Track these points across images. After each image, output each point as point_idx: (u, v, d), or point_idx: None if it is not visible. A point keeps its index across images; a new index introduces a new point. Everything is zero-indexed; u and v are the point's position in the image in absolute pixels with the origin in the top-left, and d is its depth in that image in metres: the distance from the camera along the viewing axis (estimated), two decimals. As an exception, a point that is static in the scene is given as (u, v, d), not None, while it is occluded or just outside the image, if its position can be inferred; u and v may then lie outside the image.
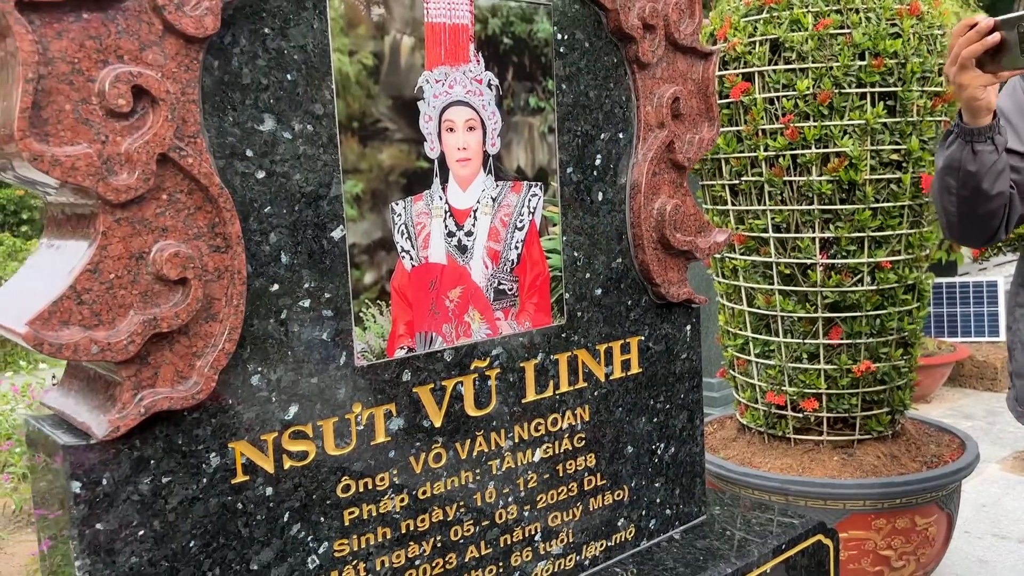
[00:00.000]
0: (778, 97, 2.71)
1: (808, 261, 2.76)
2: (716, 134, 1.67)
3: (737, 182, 2.85)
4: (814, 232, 2.76)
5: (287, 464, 1.18)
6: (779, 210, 2.78)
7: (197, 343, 1.08)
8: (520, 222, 1.44)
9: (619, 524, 1.62)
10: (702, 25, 1.62)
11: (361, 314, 1.25)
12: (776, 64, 2.73)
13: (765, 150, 2.74)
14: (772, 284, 2.86)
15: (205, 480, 1.11)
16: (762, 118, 2.73)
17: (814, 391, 2.85)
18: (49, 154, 0.93)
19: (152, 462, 1.06)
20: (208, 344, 1.08)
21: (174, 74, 1.03)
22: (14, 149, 0.93)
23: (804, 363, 2.86)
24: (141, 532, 1.06)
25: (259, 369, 1.15)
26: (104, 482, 1.03)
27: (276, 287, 1.16)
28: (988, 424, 4.99)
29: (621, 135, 1.57)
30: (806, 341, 2.84)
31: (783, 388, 2.91)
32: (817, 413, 2.88)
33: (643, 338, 1.64)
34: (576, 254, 1.52)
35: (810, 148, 2.68)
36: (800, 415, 2.92)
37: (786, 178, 2.74)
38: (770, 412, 2.98)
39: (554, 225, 1.48)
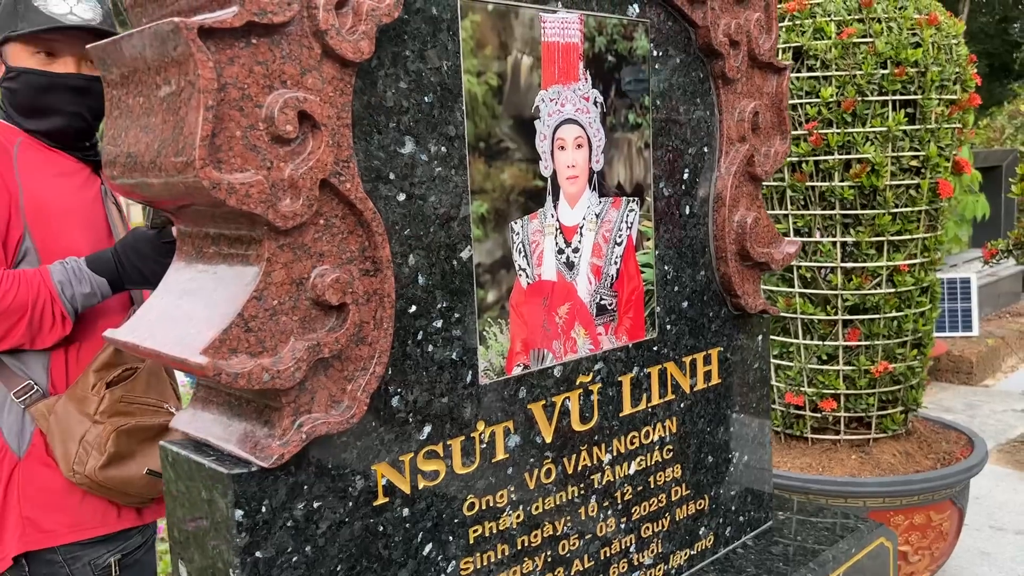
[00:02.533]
0: (802, 104, 2.76)
1: (829, 265, 2.82)
2: (788, 147, 1.71)
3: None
4: (835, 236, 2.82)
5: (421, 484, 1.19)
6: (801, 215, 2.84)
7: (349, 367, 1.07)
8: (619, 237, 1.45)
9: (700, 532, 1.65)
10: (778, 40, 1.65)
11: (484, 333, 1.26)
12: (799, 71, 2.78)
13: (788, 156, 2.79)
14: (792, 287, 2.92)
15: (351, 503, 1.11)
16: (785, 124, 2.78)
17: (832, 391, 2.92)
18: (225, 182, 0.92)
19: (305, 487, 1.06)
20: (359, 368, 1.08)
21: (331, 99, 1.02)
22: (192, 178, 0.91)
23: (822, 364, 2.93)
24: (295, 558, 1.05)
25: (399, 391, 1.15)
26: (264, 509, 1.02)
27: (414, 308, 1.16)
28: (969, 417, 5.14)
29: (706, 149, 1.59)
30: (825, 343, 2.91)
31: (802, 389, 2.97)
32: (835, 413, 2.95)
33: (722, 349, 1.67)
34: (667, 268, 1.54)
35: (833, 154, 2.74)
36: (818, 415, 2.98)
37: (809, 183, 2.79)
38: (788, 412, 3.04)
39: (648, 240, 1.50)
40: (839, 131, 2.72)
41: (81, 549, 1.77)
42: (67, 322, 1.68)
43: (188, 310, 1.03)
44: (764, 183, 2.88)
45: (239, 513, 1.00)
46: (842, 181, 2.76)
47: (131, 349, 1.05)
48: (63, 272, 1.66)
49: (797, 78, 2.77)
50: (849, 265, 2.82)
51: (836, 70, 2.71)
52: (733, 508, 1.72)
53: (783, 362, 3.00)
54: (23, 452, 1.72)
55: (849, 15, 2.73)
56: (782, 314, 2.96)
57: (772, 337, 3.02)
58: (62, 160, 1.81)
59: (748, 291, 1.68)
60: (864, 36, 2.71)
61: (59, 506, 1.74)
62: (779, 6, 2.84)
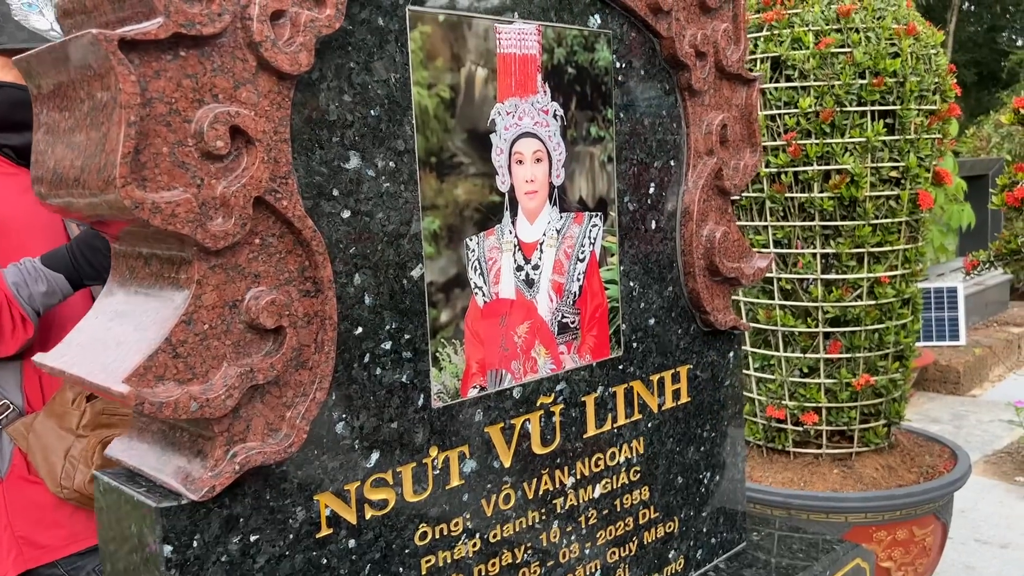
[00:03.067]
0: (780, 114, 2.73)
1: (810, 277, 2.79)
2: (759, 160, 1.67)
3: (738, 198, 2.86)
4: (815, 248, 2.79)
5: (368, 514, 1.14)
6: (780, 226, 2.80)
7: (287, 393, 1.02)
8: (582, 253, 1.41)
9: (670, 556, 1.60)
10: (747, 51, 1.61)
11: (437, 354, 1.21)
12: (778, 81, 2.75)
13: (767, 166, 2.76)
14: (772, 299, 2.88)
15: (292, 536, 1.06)
16: (764, 135, 2.75)
17: (814, 405, 2.88)
18: (149, 201, 0.88)
19: (241, 520, 1.01)
20: (298, 393, 1.03)
21: (267, 112, 0.98)
22: (113, 196, 0.87)
23: (803, 377, 2.89)
24: (231, 594, 1.00)
25: (344, 416, 1.10)
26: (195, 544, 0.97)
27: (360, 330, 1.11)
28: (955, 428, 5.11)
29: (672, 162, 1.55)
30: (806, 355, 2.87)
31: (783, 402, 2.93)
32: (817, 427, 2.91)
33: (691, 366, 1.62)
34: (632, 284, 1.49)
35: (812, 165, 2.71)
36: (800, 429, 2.94)
37: (788, 194, 2.76)
38: (769, 426, 3.00)
39: (612, 255, 1.46)
40: (818, 142, 2.68)
41: (81, 559, 1.77)
42: (28, 324, 1.63)
43: (117, 334, 0.98)
44: (742, 195, 2.85)
45: (168, 548, 0.95)
46: (821, 192, 2.72)
47: (59, 375, 1.00)
48: (17, 273, 1.63)
49: (775, 88, 2.74)
50: (829, 277, 2.78)
51: (814, 80, 2.68)
52: (704, 530, 1.67)
53: (764, 375, 2.96)
54: (4, 472, 1.70)
55: (827, 25, 2.70)
56: (763, 327, 2.92)
57: (753, 350, 2.98)
58: (27, 177, 1.77)
59: (718, 307, 1.63)
60: (842, 46, 2.68)
61: (51, 521, 1.74)
62: (757, 16, 2.81)
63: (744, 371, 3.02)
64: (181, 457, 1.01)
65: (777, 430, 2.99)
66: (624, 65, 1.44)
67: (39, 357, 1.04)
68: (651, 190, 1.51)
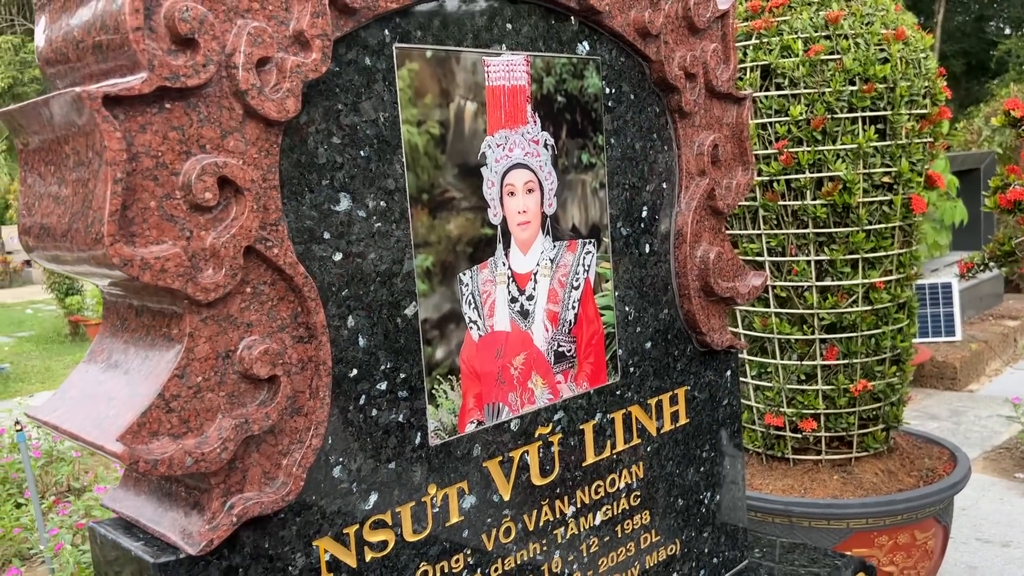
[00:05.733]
0: (771, 123, 2.73)
1: (805, 284, 2.79)
2: (751, 178, 1.66)
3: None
4: (809, 255, 2.78)
5: (368, 556, 1.13)
6: (774, 234, 2.80)
7: (283, 440, 1.02)
8: (576, 281, 1.40)
9: (672, 578, 1.60)
10: (737, 70, 1.61)
11: (434, 391, 1.20)
12: (768, 90, 2.75)
13: (759, 175, 2.75)
14: (768, 307, 2.88)
15: (292, 583, 1.05)
16: (755, 144, 2.75)
17: (812, 411, 2.88)
18: (138, 257, 0.87)
19: (240, 571, 1.00)
20: (294, 441, 1.02)
21: (255, 160, 0.97)
22: (101, 254, 0.86)
23: (801, 384, 2.88)
24: (231, 646, 1.00)
25: (340, 460, 1.09)
26: (194, 597, 0.96)
27: (355, 372, 1.10)
28: (954, 424, 5.11)
29: (664, 185, 1.54)
30: (803, 362, 2.86)
31: (781, 409, 2.92)
32: (816, 433, 2.91)
33: (689, 388, 1.62)
34: (627, 308, 1.49)
35: (804, 173, 2.71)
36: (798, 435, 2.94)
37: (781, 202, 2.75)
38: (768, 433, 2.99)
39: (606, 281, 1.45)
40: (809, 149, 2.68)
41: None
42: None
43: (109, 388, 0.97)
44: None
45: (167, 604, 0.94)
46: (814, 199, 2.72)
47: (52, 430, 0.99)
48: None
49: (766, 97, 2.73)
50: (825, 284, 2.78)
51: (805, 88, 2.68)
52: (706, 550, 1.67)
53: (762, 383, 2.95)
54: None
55: (816, 32, 2.70)
56: (759, 334, 2.91)
57: (750, 357, 2.98)
58: None
59: (714, 327, 1.63)
60: (832, 53, 2.68)
61: None
62: (745, 24, 2.81)
63: (742, 379, 3.01)
64: (178, 509, 1.00)
65: (776, 437, 2.99)
66: (614, 90, 1.44)
67: (32, 411, 1.03)
68: (644, 214, 1.51)
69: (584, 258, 1.41)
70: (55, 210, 0.94)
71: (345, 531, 1.10)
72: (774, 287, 2.84)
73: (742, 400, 3.02)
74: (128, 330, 1.02)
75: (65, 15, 0.95)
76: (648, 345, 1.53)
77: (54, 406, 1.01)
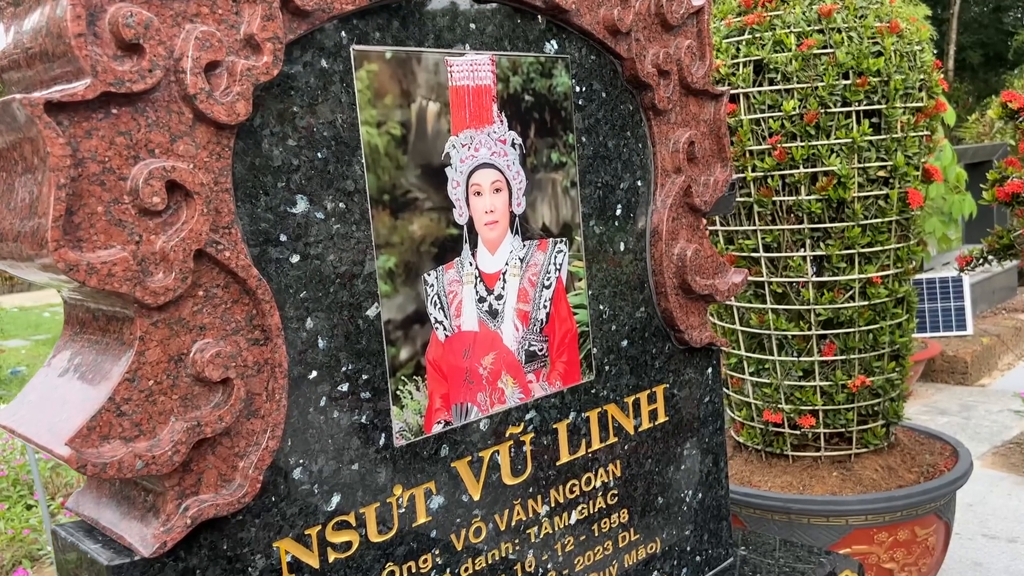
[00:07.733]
0: (764, 118, 2.71)
1: (800, 279, 2.77)
2: (730, 175, 1.65)
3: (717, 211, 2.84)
4: (805, 251, 2.76)
5: (331, 557, 1.13)
6: (769, 230, 2.78)
7: (239, 443, 1.02)
8: (547, 280, 1.40)
9: (653, 577, 1.59)
10: (713, 66, 1.60)
11: (398, 392, 1.20)
12: (761, 85, 2.73)
13: (753, 171, 2.74)
14: (765, 303, 2.86)
15: (252, 584, 1.05)
16: (748, 139, 2.73)
17: (810, 408, 2.86)
18: (84, 262, 0.88)
19: (198, 572, 1.01)
20: (251, 443, 1.03)
21: (206, 164, 0.97)
22: (48, 259, 0.87)
23: (799, 380, 2.87)
24: (190, 647, 1.00)
25: (301, 462, 1.10)
26: (150, 599, 0.97)
27: (314, 374, 1.11)
28: (964, 419, 5.07)
29: (639, 183, 1.54)
30: (801, 358, 2.85)
31: (779, 406, 2.91)
32: (814, 429, 2.89)
33: (668, 385, 1.61)
34: (602, 307, 1.48)
35: (798, 168, 2.69)
36: (797, 432, 2.92)
37: (775, 198, 2.74)
38: (767, 430, 2.98)
39: (579, 280, 1.45)
40: (803, 144, 2.66)
41: None
42: None
43: (64, 392, 0.98)
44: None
45: (122, 606, 0.95)
46: (809, 195, 2.70)
47: (11, 432, 1.00)
48: None
49: (759, 92, 2.72)
50: (821, 279, 2.76)
51: (798, 82, 2.66)
52: (688, 548, 1.66)
53: (759, 379, 2.94)
54: None
55: (809, 26, 2.68)
56: (756, 331, 2.90)
57: (747, 354, 2.96)
58: None
59: (693, 324, 1.62)
60: (824, 47, 2.66)
61: None
62: (738, 20, 2.79)
63: (740, 376, 3.00)
64: (135, 511, 1.01)
65: (775, 434, 2.97)
66: (584, 89, 1.43)
67: (-5, 415, 1.04)
68: (618, 212, 1.50)
69: (556, 257, 1.41)
70: (7, 216, 0.95)
71: (307, 532, 1.10)
72: (770, 283, 2.83)
73: (741, 397, 3.00)
74: (86, 334, 1.03)
75: (16, 22, 0.96)
76: (624, 343, 1.53)
77: (14, 410, 1.02)
